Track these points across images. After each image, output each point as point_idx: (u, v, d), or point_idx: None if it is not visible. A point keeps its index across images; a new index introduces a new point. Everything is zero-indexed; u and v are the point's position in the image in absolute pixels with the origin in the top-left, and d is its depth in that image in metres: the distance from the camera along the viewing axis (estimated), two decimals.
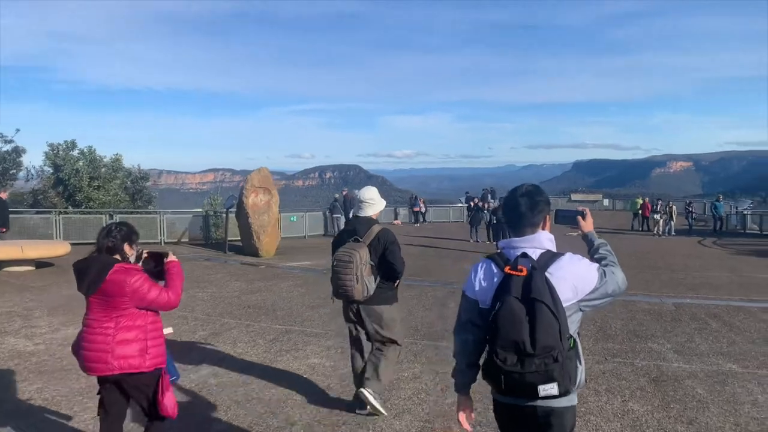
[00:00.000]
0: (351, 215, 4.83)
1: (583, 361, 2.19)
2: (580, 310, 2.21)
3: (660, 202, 24.65)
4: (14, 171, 22.32)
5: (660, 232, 23.26)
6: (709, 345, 6.39)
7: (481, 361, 2.28)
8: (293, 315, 8.06)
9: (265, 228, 15.71)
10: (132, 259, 3.29)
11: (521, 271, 2.09)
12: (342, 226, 20.09)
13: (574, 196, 46.01)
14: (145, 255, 3.47)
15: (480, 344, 2.29)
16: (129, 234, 3.29)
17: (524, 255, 2.18)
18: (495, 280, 2.19)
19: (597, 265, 2.26)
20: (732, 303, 8.80)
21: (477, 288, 2.27)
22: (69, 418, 4.47)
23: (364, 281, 4.17)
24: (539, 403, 2.12)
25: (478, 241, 20.15)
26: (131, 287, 3.06)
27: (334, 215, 21.60)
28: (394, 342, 4.47)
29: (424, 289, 9.96)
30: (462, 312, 2.38)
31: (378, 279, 4.31)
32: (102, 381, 3.23)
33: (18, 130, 22.18)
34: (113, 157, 22.89)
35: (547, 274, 2.11)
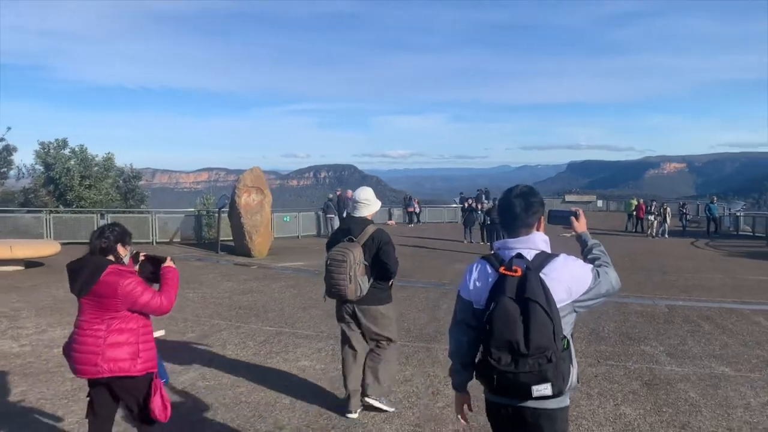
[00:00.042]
0: (345, 215, 4.82)
1: (576, 362, 2.18)
2: (575, 311, 2.21)
3: (654, 203, 24.70)
4: (5, 169, 22.16)
5: (654, 234, 23.31)
6: (702, 348, 6.37)
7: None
8: (284, 316, 7.99)
9: (258, 228, 15.62)
10: (126, 260, 3.26)
11: (516, 271, 2.10)
12: (336, 227, 20.06)
13: (568, 197, 46.10)
14: (142, 257, 3.44)
15: (475, 345, 2.28)
16: (122, 235, 3.26)
17: (519, 256, 2.18)
18: (490, 280, 2.19)
19: (591, 265, 2.26)
20: (725, 305, 8.80)
21: (471, 288, 2.28)
22: (54, 421, 4.39)
23: (357, 281, 4.18)
24: (532, 404, 2.12)
25: (471, 242, 20.12)
26: (124, 289, 3.02)
27: (328, 215, 21.52)
28: (389, 340, 4.46)
29: (416, 290, 9.91)
30: (457, 312, 2.38)
31: (372, 279, 4.31)
32: (92, 384, 3.19)
33: (9, 128, 22.04)
34: (105, 156, 22.73)
35: (541, 274, 2.11)
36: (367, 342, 4.49)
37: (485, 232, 20.16)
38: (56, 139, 21.78)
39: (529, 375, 2.00)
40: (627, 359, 5.94)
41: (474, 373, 2.31)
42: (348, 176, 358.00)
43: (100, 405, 3.21)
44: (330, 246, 4.43)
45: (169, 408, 3.23)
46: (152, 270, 3.40)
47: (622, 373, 5.50)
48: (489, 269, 2.24)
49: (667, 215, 23.80)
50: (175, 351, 6.05)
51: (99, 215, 17.96)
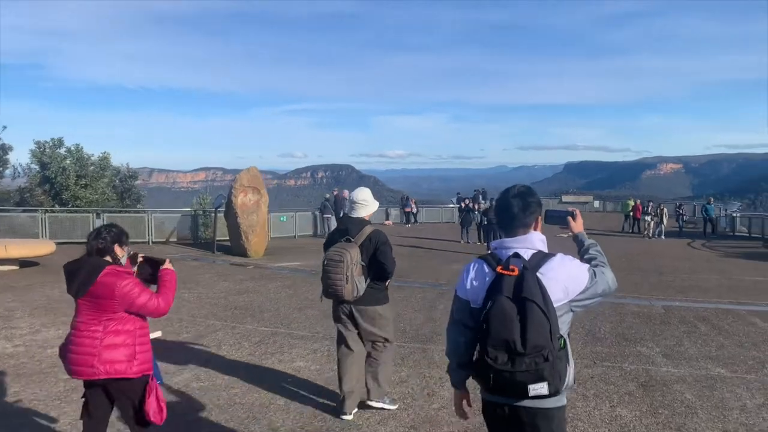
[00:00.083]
0: (343, 215, 4.83)
1: (572, 362, 2.19)
2: (571, 310, 2.21)
3: (651, 204, 24.72)
4: (1, 169, 22.08)
5: (650, 235, 23.33)
6: (698, 349, 6.36)
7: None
8: (280, 317, 7.96)
9: (254, 228, 15.57)
10: (123, 260, 3.25)
11: (513, 270, 2.10)
12: (333, 226, 20.05)
13: (564, 198, 46.19)
14: (140, 259, 3.43)
15: (471, 344, 2.28)
16: (119, 235, 3.25)
17: (516, 255, 2.19)
18: (487, 279, 2.20)
19: (588, 265, 2.27)
20: (721, 306, 8.80)
21: (468, 288, 2.28)
22: (47, 422, 4.36)
23: (354, 281, 4.17)
24: (528, 403, 2.12)
25: (468, 242, 20.12)
26: (121, 291, 3.01)
27: (325, 215, 21.48)
28: (386, 340, 4.47)
29: (413, 290, 9.89)
30: (454, 312, 2.38)
31: (369, 279, 4.31)
32: (88, 385, 3.18)
33: (5, 127, 21.95)
34: (101, 155, 22.65)
35: (538, 274, 2.11)
36: (363, 342, 4.48)
37: (482, 233, 20.16)
38: (52, 139, 21.73)
39: (526, 374, 2.00)
40: (623, 360, 5.93)
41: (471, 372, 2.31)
42: (345, 176, 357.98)
43: (96, 406, 3.19)
44: (327, 246, 4.43)
45: (164, 410, 3.21)
46: (151, 272, 3.40)
47: (618, 374, 5.48)
48: (486, 268, 2.24)
49: (664, 216, 23.82)
50: (170, 351, 6.02)
51: (95, 215, 17.90)
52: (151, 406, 3.13)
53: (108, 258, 3.16)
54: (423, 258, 15.32)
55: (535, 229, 2.31)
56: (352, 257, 4.17)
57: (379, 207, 4.71)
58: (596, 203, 42.77)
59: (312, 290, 9.73)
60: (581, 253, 2.44)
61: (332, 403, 4.63)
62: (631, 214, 25.71)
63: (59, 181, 20.61)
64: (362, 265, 4.26)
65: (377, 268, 4.31)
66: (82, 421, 3.24)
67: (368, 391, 4.48)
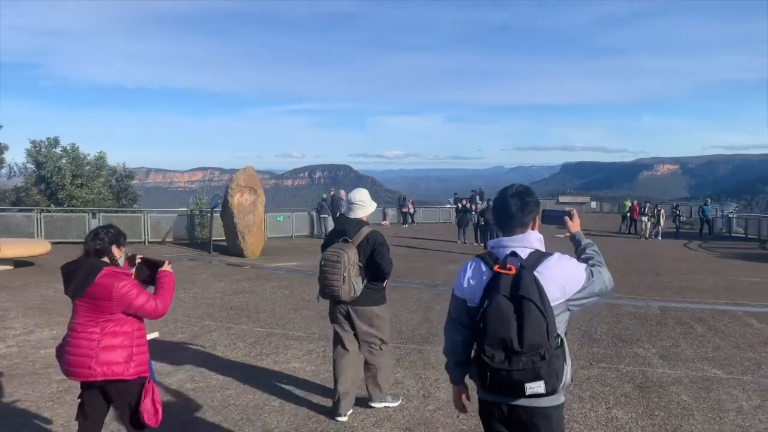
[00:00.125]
0: (340, 216, 4.84)
1: (569, 361, 2.19)
2: (568, 309, 2.22)
3: (648, 204, 24.75)
4: None
5: (647, 235, 23.36)
6: (695, 350, 6.35)
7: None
8: (276, 317, 7.92)
9: (251, 228, 15.53)
10: (121, 261, 3.24)
11: (510, 269, 2.11)
12: (330, 226, 20.02)
13: (562, 198, 46.23)
14: (138, 260, 3.42)
15: (469, 344, 2.29)
16: (116, 236, 3.24)
17: (513, 254, 2.20)
18: (484, 278, 2.20)
19: (585, 265, 2.28)
20: (717, 307, 8.79)
21: (465, 286, 2.28)
22: (39, 423, 4.33)
23: (351, 282, 4.17)
24: (526, 402, 2.12)
25: (465, 243, 20.11)
26: (119, 292, 3.00)
27: (322, 215, 21.45)
28: (382, 341, 4.47)
29: (409, 290, 9.87)
30: (451, 311, 2.39)
31: (366, 280, 4.31)
32: (84, 386, 3.17)
33: (1, 126, 21.87)
34: (97, 155, 22.58)
35: (535, 273, 2.12)
36: (359, 343, 4.46)
37: (479, 233, 20.17)
38: (48, 138, 21.67)
39: (523, 372, 2.00)
40: (619, 361, 5.91)
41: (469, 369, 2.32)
42: (343, 176, 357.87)
43: (92, 408, 3.18)
44: (325, 247, 4.43)
45: (160, 413, 3.19)
46: (149, 273, 3.39)
47: (614, 375, 5.47)
48: (483, 267, 2.25)
49: (661, 217, 23.85)
50: (165, 352, 5.98)
51: (90, 214, 17.82)
52: (146, 409, 3.11)
53: (106, 259, 3.15)
54: (420, 258, 15.30)
55: (532, 229, 2.32)
56: (350, 258, 4.17)
57: (377, 207, 4.71)
58: (593, 204, 42.81)
59: (308, 291, 9.71)
60: (578, 252, 2.45)
61: (327, 405, 4.60)
62: (628, 214, 25.74)
63: (55, 180, 20.54)
64: (359, 266, 4.26)
65: (374, 268, 4.31)
66: (77, 422, 3.22)
67: (370, 395, 4.53)
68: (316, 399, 4.82)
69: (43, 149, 21.21)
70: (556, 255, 2.22)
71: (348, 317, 4.39)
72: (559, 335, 2.12)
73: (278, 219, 21.97)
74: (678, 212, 26.02)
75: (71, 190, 20.57)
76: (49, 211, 18.46)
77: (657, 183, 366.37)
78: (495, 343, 2.02)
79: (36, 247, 12.68)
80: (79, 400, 3.22)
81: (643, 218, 23.84)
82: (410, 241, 19.69)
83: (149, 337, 3.35)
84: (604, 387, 5.13)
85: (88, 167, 21.75)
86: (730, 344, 6.59)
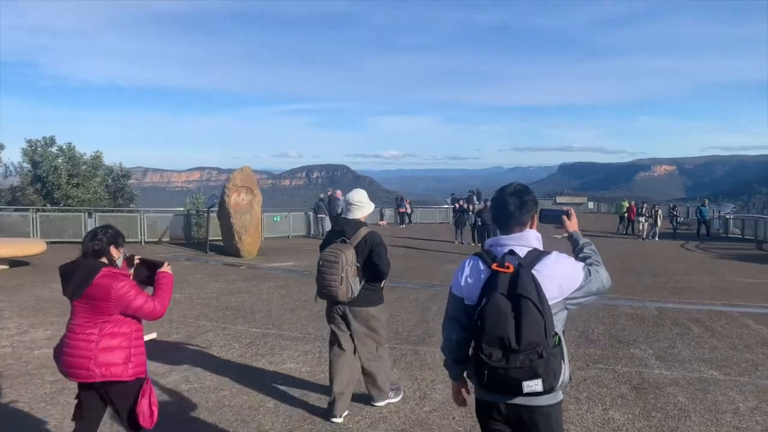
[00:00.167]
0: (337, 216, 4.86)
1: (567, 359, 2.19)
2: (566, 308, 2.22)
3: (645, 205, 24.77)
4: None
5: (645, 236, 23.38)
6: (691, 351, 6.33)
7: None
8: (272, 318, 7.89)
9: (247, 228, 15.48)
10: (119, 262, 3.23)
11: (508, 268, 2.12)
12: (327, 226, 20.01)
13: (559, 199, 46.35)
14: (137, 261, 3.41)
15: (466, 342, 2.30)
16: (115, 237, 3.23)
17: (511, 252, 2.21)
18: (482, 277, 2.21)
19: (582, 264, 2.29)
20: (714, 308, 8.79)
21: (463, 284, 2.29)
22: (31, 424, 4.29)
23: (348, 282, 4.17)
24: (524, 401, 2.12)
25: (462, 243, 20.09)
26: (117, 293, 2.99)
27: (319, 215, 21.42)
28: (378, 343, 4.48)
29: (406, 291, 9.84)
30: (449, 309, 2.40)
31: (363, 281, 4.31)
32: (82, 387, 3.16)
33: None
34: (93, 154, 22.49)
35: (533, 271, 2.13)
36: (355, 343, 4.44)
37: (476, 233, 20.16)
38: (44, 137, 21.57)
39: (520, 371, 2.00)
40: (616, 362, 5.89)
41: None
42: (341, 176, 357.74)
43: (89, 408, 3.18)
44: (324, 248, 4.43)
45: (155, 414, 3.19)
46: (147, 274, 3.38)
47: (611, 376, 5.45)
48: (481, 266, 2.25)
49: (659, 217, 23.87)
50: (160, 352, 5.94)
51: (86, 214, 17.75)
52: (142, 410, 3.11)
53: (104, 259, 3.14)
54: (417, 259, 15.27)
55: (531, 228, 2.33)
56: (348, 258, 4.18)
57: (374, 207, 4.73)
58: (590, 204, 42.90)
59: (305, 291, 9.67)
60: (576, 251, 2.46)
61: (322, 406, 4.57)
62: (626, 215, 25.77)
63: (51, 180, 20.46)
64: (357, 267, 4.27)
65: (372, 269, 4.32)
66: (74, 422, 3.21)
67: (372, 397, 4.59)
68: (311, 400, 4.79)
69: (39, 148, 21.12)
70: (554, 254, 2.22)
71: (345, 318, 4.38)
72: (556, 334, 2.12)
73: (275, 219, 21.93)
74: (675, 213, 26.06)
75: (67, 189, 20.49)
76: (45, 211, 18.39)
77: (654, 184, 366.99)
78: (493, 341, 2.02)
79: (31, 246, 12.61)
80: (76, 400, 3.21)
81: (640, 219, 23.86)
82: (407, 242, 19.66)
83: (147, 338, 3.34)
84: (600, 388, 5.11)
85: (84, 167, 21.67)
86: (727, 345, 6.58)
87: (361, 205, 4.51)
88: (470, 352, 2.22)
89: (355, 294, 4.24)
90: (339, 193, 19.70)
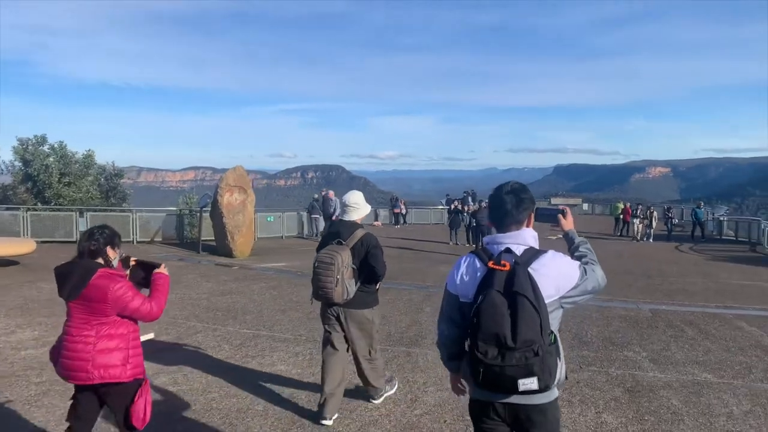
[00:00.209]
0: (334, 217, 4.88)
1: (563, 358, 2.20)
2: (561, 306, 2.23)
3: (640, 207, 24.80)
4: None
5: (639, 238, 23.41)
6: (685, 353, 6.30)
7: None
8: (263, 319, 7.81)
9: (240, 228, 15.40)
10: (115, 263, 3.20)
11: (504, 265, 2.12)
12: (321, 227, 19.94)
13: (554, 200, 46.45)
14: (133, 262, 3.39)
15: (460, 339, 2.32)
16: (111, 237, 3.20)
17: (508, 250, 2.21)
18: (478, 274, 2.21)
19: (578, 262, 2.30)
20: (707, 310, 8.76)
21: (458, 282, 2.30)
22: (16, 425, 4.21)
23: (344, 284, 4.17)
24: (520, 399, 2.11)
25: (457, 244, 20.08)
26: (114, 294, 2.96)
27: (313, 216, 21.34)
28: (371, 345, 4.47)
29: (400, 292, 9.78)
30: (444, 306, 2.42)
31: (359, 283, 4.30)
32: (79, 388, 3.13)
33: None
34: (85, 153, 22.31)
35: (530, 269, 2.12)
36: (348, 344, 4.43)
37: (471, 234, 20.14)
38: (35, 136, 21.35)
39: (516, 368, 1.99)
40: (609, 365, 5.85)
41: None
42: (336, 177, 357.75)
43: (86, 410, 3.15)
44: (320, 249, 4.40)
45: (148, 416, 3.16)
46: (143, 275, 3.37)
47: (604, 379, 5.40)
48: (478, 263, 2.25)
49: (654, 219, 23.89)
50: (149, 354, 5.80)
51: (78, 213, 17.59)
52: (136, 411, 3.10)
53: (100, 260, 3.10)
54: (411, 260, 15.22)
55: (527, 226, 2.33)
56: (343, 260, 4.16)
57: (370, 209, 4.73)
58: (585, 206, 42.97)
59: (297, 292, 9.60)
60: (571, 250, 2.47)
61: (313, 409, 4.51)
62: (621, 217, 25.79)
63: (42, 178, 20.28)
64: (353, 268, 4.26)
65: (368, 271, 4.31)
66: (68, 423, 3.18)
67: (370, 396, 4.66)
68: (301, 402, 4.72)
69: (30, 147, 20.93)
70: (551, 252, 2.22)
71: (339, 319, 4.37)
72: (552, 332, 2.12)
73: (268, 219, 21.84)
74: (670, 215, 26.10)
75: (58, 188, 20.31)
76: (36, 210, 18.22)
77: (648, 185, 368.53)
78: (488, 338, 2.01)
79: (20, 246, 12.47)
80: (71, 401, 3.19)
81: (635, 221, 23.89)
82: (402, 242, 19.61)
83: (144, 338, 3.31)
84: (593, 391, 5.06)
85: (76, 165, 21.47)
86: (721, 348, 6.55)
87: (357, 207, 4.50)
88: (466, 348, 2.21)
89: (351, 296, 4.23)
90: (332, 193, 19.64)
